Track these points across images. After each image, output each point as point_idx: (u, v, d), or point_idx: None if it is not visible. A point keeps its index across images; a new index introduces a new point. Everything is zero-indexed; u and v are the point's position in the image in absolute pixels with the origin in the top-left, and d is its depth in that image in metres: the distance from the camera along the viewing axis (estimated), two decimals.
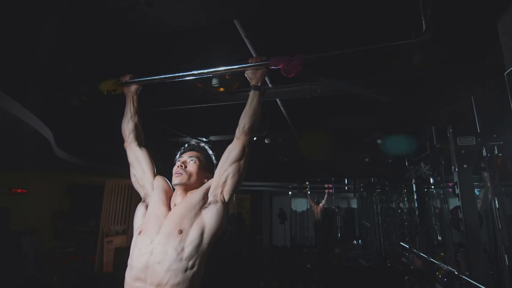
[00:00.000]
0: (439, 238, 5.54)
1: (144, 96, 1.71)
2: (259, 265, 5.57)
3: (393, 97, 2.95)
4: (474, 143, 2.25)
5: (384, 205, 7.60)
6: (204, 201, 1.23)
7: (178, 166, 1.32)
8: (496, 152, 2.12)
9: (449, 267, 2.49)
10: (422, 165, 3.59)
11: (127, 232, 6.63)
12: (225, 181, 1.24)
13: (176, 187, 1.31)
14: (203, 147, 1.45)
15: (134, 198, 6.99)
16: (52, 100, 2.41)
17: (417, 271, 4.36)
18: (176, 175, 1.30)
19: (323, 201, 8.98)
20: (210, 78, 2.60)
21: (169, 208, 1.27)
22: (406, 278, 4.43)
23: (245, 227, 9.77)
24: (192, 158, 1.35)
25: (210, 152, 1.46)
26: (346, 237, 9.00)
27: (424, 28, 1.33)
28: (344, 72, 2.55)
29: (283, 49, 1.48)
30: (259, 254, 6.12)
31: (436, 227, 5.63)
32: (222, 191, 1.24)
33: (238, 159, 1.25)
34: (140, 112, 1.60)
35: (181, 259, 1.11)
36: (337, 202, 9.73)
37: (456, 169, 2.29)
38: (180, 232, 1.14)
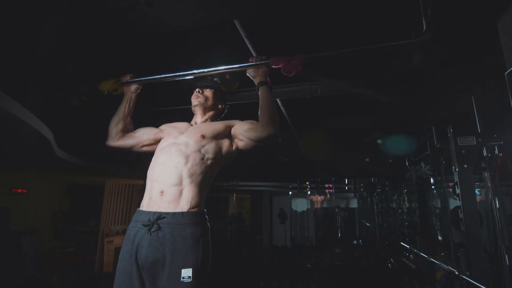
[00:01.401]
0: (440, 238, 5.55)
1: (144, 96, 1.71)
2: (259, 265, 5.56)
3: (393, 97, 2.95)
4: (475, 143, 2.25)
5: (384, 205, 7.59)
6: (226, 132, 1.42)
7: (196, 91, 1.53)
8: (496, 152, 2.12)
9: (449, 267, 2.49)
10: (423, 165, 3.59)
11: None
12: (240, 140, 1.41)
13: (195, 109, 1.52)
14: (217, 81, 1.63)
15: (134, 198, 6.98)
16: (52, 100, 2.41)
17: (417, 271, 4.36)
18: (195, 97, 1.51)
19: (323, 196, 9.06)
20: (210, 78, 2.60)
21: (191, 125, 1.49)
22: (406, 278, 4.43)
23: (245, 227, 9.78)
24: (207, 86, 1.55)
25: (221, 84, 1.64)
26: (346, 237, 9.00)
27: (424, 28, 1.33)
28: (344, 72, 2.55)
29: (283, 49, 1.48)
30: (259, 254, 6.12)
31: (436, 227, 5.63)
32: (237, 143, 1.42)
33: (255, 141, 1.36)
34: (135, 113, 1.62)
35: (200, 151, 1.31)
36: (337, 202, 9.73)
37: (457, 169, 2.29)
38: (203, 136, 1.35)
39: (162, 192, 1.23)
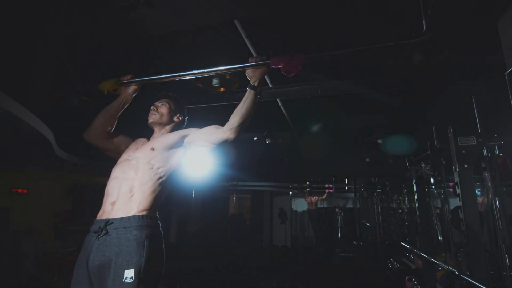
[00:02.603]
0: (440, 238, 5.54)
1: (144, 96, 1.71)
2: (259, 265, 5.56)
3: (393, 97, 2.95)
4: (475, 143, 2.24)
5: (384, 205, 7.59)
6: (179, 141, 1.46)
7: (151, 109, 1.56)
8: (496, 152, 2.11)
9: (449, 267, 2.49)
10: (423, 165, 3.58)
11: None
12: (196, 144, 1.46)
13: (152, 126, 1.56)
14: (172, 95, 1.65)
15: None
16: (52, 100, 2.41)
17: (418, 271, 4.36)
18: (151, 115, 1.54)
19: (319, 197, 9.01)
20: (211, 78, 2.60)
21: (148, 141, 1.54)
22: (406, 278, 4.43)
23: (246, 227, 9.78)
24: (162, 102, 1.59)
25: (179, 98, 1.67)
26: (346, 237, 8.99)
27: (424, 28, 1.33)
28: (344, 72, 2.55)
29: (283, 48, 1.48)
30: (260, 254, 6.12)
31: (436, 227, 5.63)
32: (191, 145, 1.47)
33: (214, 144, 1.41)
34: (137, 113, 1.64)
35: (149, 163, 1.36)
36: (337, 202, 9.73)
37: (457, 169, 2.29)
38: (152, 149, 1.40)
39: (113, 203, 1.28)
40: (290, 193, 9.96)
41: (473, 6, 1.72)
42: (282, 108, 3.21)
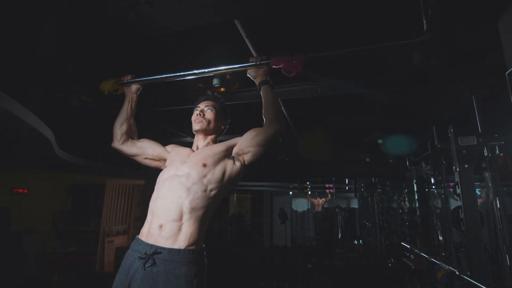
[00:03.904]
0: (440, 238, 5.54)
1: (144, 96, 1.71)
2: (259, 265, 5.57)
3: (393, 97, 2.95)
4: (475, 143, 2.24)
5: (385, 205, 7.58)
6: (228, 153, 1.34)
7: (197, 114, 1.44)
8: (497, 152, 2.11)
9: (450, 267, 2.49)
10: (423, 165, 3.58)
11: (128, 232, 6.63)
12: (247, 153, 1.33)
13: (197, 133, 1.45)
14: (217, 96, 1.53)
15: (135, 198, 6.99)
16: (52, 100, 2.41)
17: (418, 271, 4.36)
18: (197, 121, 1.42)
19: (325, 198, 9.02)
20: (211, 78, 2.60)
21: (192, 151, 1.41)
22: (406, 278, 4.42)
23: (246, 227, 9.78)
24: (209, 106, 1.46)
25: (223, 100, 1.55)
26: (347, 237, 9.00)
27: (424, 27, 1.32)
28: (344, 72, 2.55)
29: (283, 48, 1.48)
30: (260, 254, 6.12)
31: (437, 227, 5.62)
32: (243, 158, 1.34)
33: (264, 145, 1.31)
34: (138, 113, 1.61)
35: (202, 182, 1.24)
36: (338, 202, 9.72)
37: (457, 169, 2.29)
38: (204, 165, 1.28)
39: (160, 226, 1.20)
40: (291, 193, 9.96)
41: (473, 6, 1.72)
42: (282, 108, 3.21)
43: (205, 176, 1.25)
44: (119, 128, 1.51)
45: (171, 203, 1.21)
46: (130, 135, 1.53)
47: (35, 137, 2.02)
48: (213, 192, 1.25)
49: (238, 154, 1.33)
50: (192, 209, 1.20)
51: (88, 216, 6.90)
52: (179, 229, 1.19)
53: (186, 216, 1.20)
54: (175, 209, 1.20)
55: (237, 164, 1.32)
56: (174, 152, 1.43)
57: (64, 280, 4.72)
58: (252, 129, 1.34)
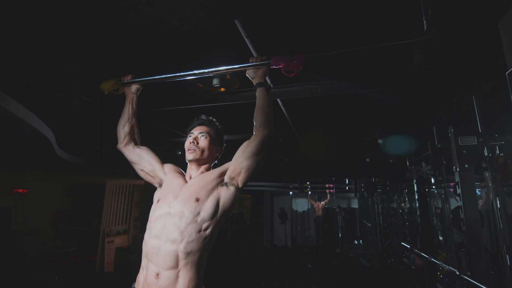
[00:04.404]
0: (440, 238, 5.54)
1: (145, 96, 1.70)
2: (260, 265, 5.56)
3: (393, 97, 2.95)
4: (476, 143, 2.24)
5: (385, 205, 7.59)
6: (220, 180, 1.29)
7: (190, 143, 1.37)
8: (497, 152, 2.11)
9: (450, 267, 2.48)
10: (423, 165, 3.58)
11: (128, 232, 6.63)
12: (240, 173, 1.28)
13: (190, 163, 1.39)
14: (212, 121, 1.47)
15: (135, 198, 6.99)
16: (53, 100, 2.41)
17: (418, 271, 4.36)
18: (190, 151, 1.36)
19: (325, 200, 9.01)
20: (211, 78, 2.60)
21: (185, 182, 1.35)
22: (407, 278, 4.43)
23: (246, 227, 9.78)
24: (203, 133, 1.40)
25: (218, 124, 1.49)
26: (347, 237, 9.00)
27: (425, 27, 1.32)
28: (344, 72, 2.55)
29: (283, 48, 1.48)
30: (260, 254, 6.12)
31: (437, 227, 5.63)
32: (237, 180, 1.29)
33: (256, 154, 1.27)
34: (138, 113, 1.60)
35: (196, 221, 1.19)
36: (338, 202, 9.73)
37: (458, 169, 2.29)
38: (197, 200, 1.22)
39: (157, 274, 1.15)
40: (291, 193, 9.97)
41: (474, 6, 1.72)
42: (282, 108, 3.21)
43: (198, 214, 1.20)
44: (122, 129, 1.50)
45: (165, 249, 1.16)
46: (133, 136, 1.52)
47: (35, 138, 2.02)
48: (208, 231, 1.20)
49: (232, 178, 1.29)
50: (188, 254, 1.15)
51: (88, 216, 6.90)
52: (177, 277, 1.14)
53: (182, 262, 1.15)
54: (170, 255, 1.15)
55: (231, 189, 1.27)
56: (168, 180, 1.37)
57: (65, 279, 4.73)
58: (243, 144, 1.31)
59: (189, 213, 1.19)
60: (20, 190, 5.73)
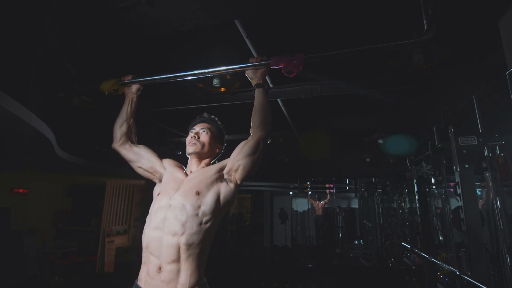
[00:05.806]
0: (441, 238, 5.54)
1: (145, 97, 1.70)
2: (260, 265, 5.57)
3: (394, 97, 2.95)
4: (476, 143, 2.24)
5: (385, 205, 7.59)
6: (220, 175, 1.31)
7: (191, 137, 1.40)
8: (497, 152, 2.11)
9: (450, 267, 2.48)
10: (424, 165, 3.58)
11: (128, 232, 6.63)
12: (237, 170, 1.30)
13: (190, 156, 1.41)
14: (213, 119, 1.50)
15: (135, 198, 6.99)
16: (53, 100, 2.41)
17: (418, 271, 4.36)
18: (191, 144, 1.38)
19: (325, 200, 9.01)
20: (211, 78, 2.60)
21: (186, 175, 1.37)
22: (407, 278, 4.42)
23: (246, 227, 9.79)
24: (204, 129, 1.43)
25: (220, 123, 1.51)
26: (347, 237, 9.00)
27: (425, 27, 1.32)
28: (344, 72, 2.55)
29: (283, 48, 1.48)
30: (260, 254, 6.12)
31: (437, 227, 5.62)
32: (235, 176, 1.32)
33: (252, 154, 1.29)
34: (137, 113, 1.60)
35: (197, 214, 1.20)
36: (338, 202, 9.73)
37: (458, 169, 2.29)
38: (198, 193, 1.24)
39: (159, 268, 1.15)
40: (291, 193, 9.97)
41: (474, 6, 1.72)
42: (282, 108, 3.21)
43: (199, 207, 1.21)
44: (119, 128, 1.50)
45: (166, 240, 1.17)
46: (130, 136, 1.52)
47: (35, 138, 2.02)
48: (208, 224, 1.21)
49: (230, 174, 1.31)
50: (190, 246, 1.15)
51: (88, 216, 6.90)
52: (179, 270, 1.14)
53: (184, 255, 1.15)
54: (172, 249, 1.15)
55: (231, 185, 1.29)
56: (168, 174, 1.38)
57: (65, 280, 4.73)
58: (240, 143, 1.33)
59: (190, 206, 1.21)
60: (20, 190, 5.72)
